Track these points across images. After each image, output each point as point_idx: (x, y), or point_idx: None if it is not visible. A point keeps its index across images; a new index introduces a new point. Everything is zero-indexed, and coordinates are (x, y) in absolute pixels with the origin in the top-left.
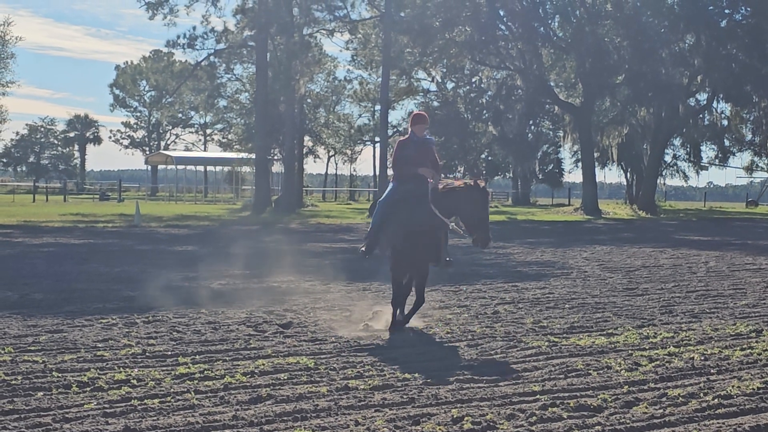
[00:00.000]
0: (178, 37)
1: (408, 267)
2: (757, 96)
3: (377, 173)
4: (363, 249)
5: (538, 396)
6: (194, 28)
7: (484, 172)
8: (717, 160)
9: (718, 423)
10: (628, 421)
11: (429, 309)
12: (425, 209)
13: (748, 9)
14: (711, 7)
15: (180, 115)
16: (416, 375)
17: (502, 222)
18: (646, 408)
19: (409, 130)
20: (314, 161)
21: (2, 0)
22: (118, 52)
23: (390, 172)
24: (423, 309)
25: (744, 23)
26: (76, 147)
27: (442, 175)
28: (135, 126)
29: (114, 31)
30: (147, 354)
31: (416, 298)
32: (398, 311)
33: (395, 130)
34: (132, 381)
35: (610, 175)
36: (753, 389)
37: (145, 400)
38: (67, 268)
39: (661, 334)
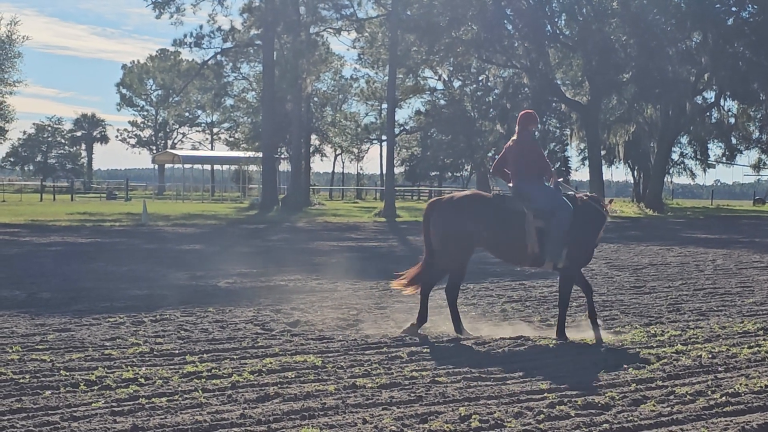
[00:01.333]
0: (185, 36)
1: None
2: (764, 94)
3: (384, 171)
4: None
5: (545, 394)
6: (201, 27)
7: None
8: (724, 158)
9: (726, 421)
10: (635, 419)
11: (436, 307)
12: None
13: (755, 7)
14: (718, 5)
15: (187, 114)
16: (424, 373)
17: None
18: (654, 406)
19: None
20: (321, 160)
21: None
22: (124, 51)
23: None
24: (431, 308)
25: (751, 21)
26: (83, 146)
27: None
28: (142, 125)
29: (120, 30)
30: (154, 352)
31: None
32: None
33: (402, 128)
34: (140, 379)
35: (617, 173)
36: (761, 387)
37: (153, 399)
38: (75, 267)
39: (668, 332)
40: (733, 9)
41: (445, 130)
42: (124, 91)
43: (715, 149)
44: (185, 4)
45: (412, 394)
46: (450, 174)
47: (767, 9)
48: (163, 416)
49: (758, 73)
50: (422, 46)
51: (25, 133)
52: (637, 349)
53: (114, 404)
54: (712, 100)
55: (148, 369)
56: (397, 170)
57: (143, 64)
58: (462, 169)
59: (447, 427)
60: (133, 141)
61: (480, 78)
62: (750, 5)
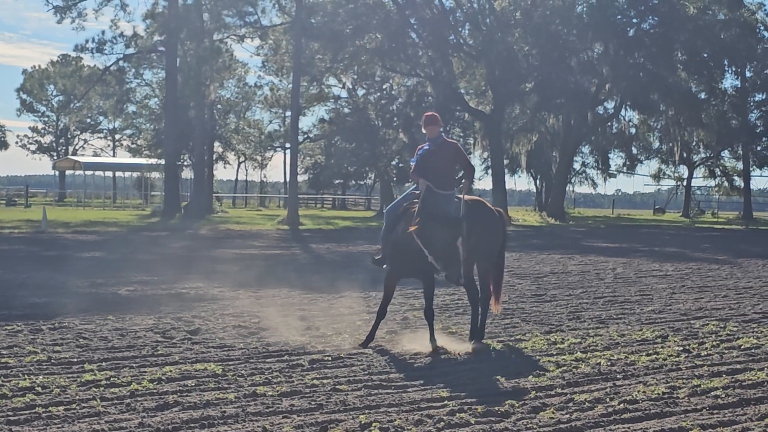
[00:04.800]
0: (87, 41)
1: (398, 276)
2: (664, 104)
3: (287, 179)
4: (378, 258)
5: (446, 402)
6: (103, 32)
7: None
8: (625, 168)
9: (624, 427)
10: (535, 426)
11: (338, 315)
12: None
13: (656, 18)
14: (619, 17)
15: (88, 120)
16: (324, 381)
17: None
18: (553, 413)
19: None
20: (224, 167)
21: None
22: (23, 56)
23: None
24: (332, 316)
25: (651, 32)
26: None
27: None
28: (43, 131)
29: (18, 35)
30: (52, 361)
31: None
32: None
33: (306, 136)
34: (37, 388)
35: (520, 182)
36: (658, 394)
37: (50, 408)
38: None
39: (568, 339)
40: (634, 20)
41: (349, 138)
42: (24, 96)
43: (616, 159)
44: (87, 8)
45: (313, 403)
46: (354, 182)
47: (667, 20)
48: (60, 425)
49: (658, 83)
50: (326, 54)
51: None
52: (538, 357)
53: (10, 413)
54: (613, 110)
55: (45, 378)
56: (300, 178)
57: (44, 69)
58: (366, 177)
59: None
60: (33, 147)
61: (384, 86)
62: (650, 17)
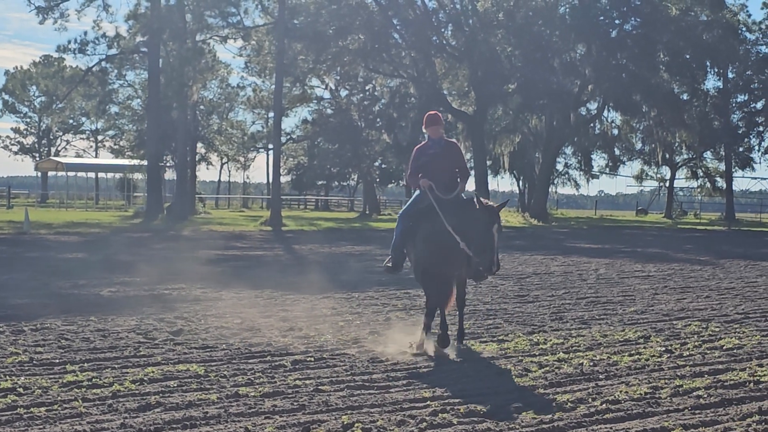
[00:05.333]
0: (69, 42)
1: (437, 282)
2: (646, 105)
3: (270, 181)
4: (389, 264)
5: (428, 402)
6: (85, 33)
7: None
8: (608, 169)
9: (606, 427)
10: (517, 427)
11: (320, 316)
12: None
13: (638, 19)
14: (602, 18)
15: (71, 121)
16: (307, 382)
17: (393, 230)
18: (536, 413)
19: (426, 134)
20: (207, 168)
21: None
22: (4, 56)
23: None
24: (315, 316)
25: (634, 33)
26: None
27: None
28: (25, 132)
29: None
30: (34, 362)
31: (459, 322)
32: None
33: (288, 137)
34: (18, 389)
35: (503, 183)
36: (640, 394)
37: (32, 409)
38: None
39: (551, 340)
40: (617, 21)
41: (332, 139)
42: (6, 97)
43: (598, 160)
44: (69, 9)
45: (295, 403)
46: (337, 183)
47: (650, 22)
48: (42, 426)
49: (640, 84)
50: (309, 55)
51: None
52: (520, 357)
53: None
54: (596, 111)
55: (27, 378)
56: (283, 179)
57: (26, 70)
58: (349, 178)
59: None
60: (15, 148)
61: (367, 87)
62: (633, 18)
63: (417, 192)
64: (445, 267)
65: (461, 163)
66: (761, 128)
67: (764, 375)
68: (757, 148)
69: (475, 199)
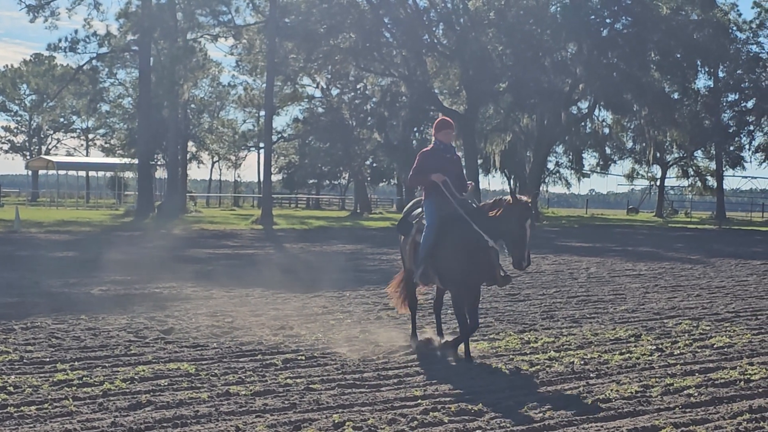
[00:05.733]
0: (60, 40)
1: (467, 290)
2: (637, 104)
3: (261, 179)
4: (417, 280)
5: (419, 400)
6: (76, 31)
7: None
8: (598, 168)
9: (597, 426)
10: (508, 425)
11: (311, 314)
12: (472, 228)
13: (629, 18)
14: (593, 17)
15: (61, 119)
16: (298, 380)
17: (386, 228)
18: (527, 412)
19: (433, 138)
20: (198, 167)
21: None
22: None
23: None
24: (306, 315)
25: (625, 32)
26: None
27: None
28: (15, 130)
29: None
30: (24, 360)
31: (470, 322)
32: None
33: (279, 135)
34: (9, 388)
35: (494, 182)
36: (631, 393)
37: (22, 407)
38: None
39: (542, 339)
40: (608, 20)
41: (323, 138)
42: None
43: (589, 159)
44: (60, 7)
45: (286, 402)
46: (328, 182)
47: (641, 21)
48: (32, 425)
49: (631, 83)
50: (300, 54)
51: None
52: (511, 356)
53: None
54: (587, 110)
55: (17, 377)
56: (274, 178)
57: (17, 68)
58: (340, 177)
59: None
60: (6, 146)
61: (358, 86)
62: (624, 17)
63: (425, 199)
64: (476, 272)
65: (462, 175)
66: (751, 127)
67: (755, 373)
68: (747, 147)
69: (509, 195)
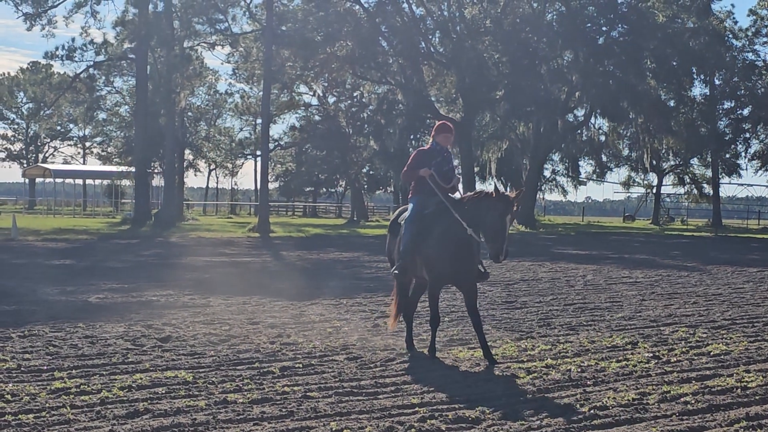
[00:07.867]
0: (57, 48)
1: (446, 282)
2: (633, 112)
3: (258, 187)
4: (397, 271)
5: (417, 408)
6: (73, 39)
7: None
8: (595, 176)
9: None
10: None
11: (309, 322)
12: (456, 220)
13: (625, 26)
14: (589, 25)
15: (59, 127)
16: (295, 388)
17: (383, 236)
18: (524, 420)
19: (431, 139)
20: (195, 175)
21: None
22: None
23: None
24: (303, 323)
25: (621, 40)
26: None
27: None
28: (12, 138)
29: None
30: (22, 369)
31: (472, 320)
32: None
33: (276, 143)
34: (6, 396)
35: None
36: (628, 400)
37: (20, 416)
38: None
39: (539, 346)
40: (604, 28)
41: (319, 146)
42: None
43: (586, 166)
44: (57, 16)
45: (284, 410)
46: (325, 190)
47: (637, 29)
48: None
49: (627, 91)
50: (297, 62)
51: None
52: (508, 364)
53: None
54: (583, 117)
55: (15, 385)
56: (271, 185)
57: (14, 76)
58: (337, 184)
59: None
60: (2, 154)
61: (355, 94)
62: (620, 25)
63: (411, 197)
64: (459, 266)
65: (451, 170)
66: (748, 135)
67: (751, 381)
68: (743, 154)
69: (493, 188)
